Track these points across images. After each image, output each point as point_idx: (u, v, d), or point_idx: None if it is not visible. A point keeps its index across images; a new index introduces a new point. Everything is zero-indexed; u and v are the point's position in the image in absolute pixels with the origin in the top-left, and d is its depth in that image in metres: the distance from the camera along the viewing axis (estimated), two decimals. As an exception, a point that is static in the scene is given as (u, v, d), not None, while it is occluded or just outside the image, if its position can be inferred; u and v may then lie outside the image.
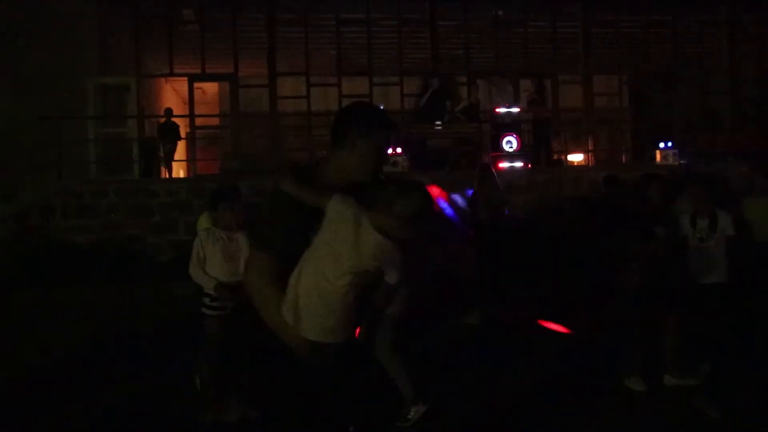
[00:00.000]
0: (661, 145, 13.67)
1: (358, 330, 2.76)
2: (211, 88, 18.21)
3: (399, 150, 12.23)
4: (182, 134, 15.23)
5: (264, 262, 2.62)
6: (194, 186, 12.10)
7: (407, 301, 4.96)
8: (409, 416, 4.98)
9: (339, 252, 2.45)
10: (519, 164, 13.07)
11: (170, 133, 14.60)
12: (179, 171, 16.26)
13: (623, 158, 17.23)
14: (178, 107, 17.64)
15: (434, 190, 8.32)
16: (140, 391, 5.95)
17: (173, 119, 14.91)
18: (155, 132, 14.81)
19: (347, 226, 2.44)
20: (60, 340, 7.93)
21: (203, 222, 6.13)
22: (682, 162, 13.50)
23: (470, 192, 9.10)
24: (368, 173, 2.68)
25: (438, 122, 14.20)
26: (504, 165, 12.76)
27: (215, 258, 5.24)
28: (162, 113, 15.08)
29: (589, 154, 16.49)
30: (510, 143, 12.98)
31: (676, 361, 5.60)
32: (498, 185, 8.91)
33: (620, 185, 9.29)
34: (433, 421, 5.02)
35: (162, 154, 14.43)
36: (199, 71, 15.23)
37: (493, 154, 13.00)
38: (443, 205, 10.42)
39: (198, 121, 15.94)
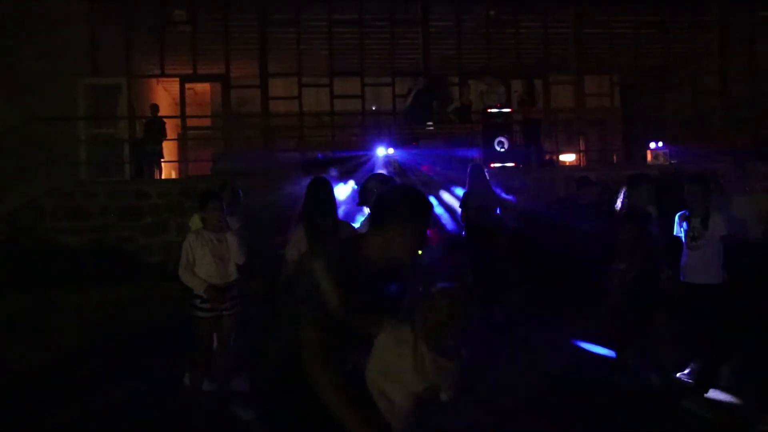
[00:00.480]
0: (652, 145, 13.71)
1: None
2: (202, 88, 18.17)
3: (392, 150, 12.22)
4: (169, 133, 15.12)
5: (326, 343, 2.57)
6: (186, 187, 12.06)
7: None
8: None
9: (399, 376, 2.54)
10: (510, 164, 13.10)
11: (156, 132, 14.45)
12: (171, 172, 16.21)
13: (614, 158, 17.28)
14: (169, 108, 17.59)
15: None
16: (131, 391, 5.93)
17: (162, 117, 14.77)
18: (142, 130, 14.66)
19: (405, 350, 2.56)
20: (51, 342, 7.90)
21: (196, 222, 6.12)
22: (672, 162, 13.54)
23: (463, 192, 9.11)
24: (410, 255, 2.75)
25: (429, 123, 14.20)
26: (496, 165, 12.79)
27: (205, 260, 5.23)
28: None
29: (581, 154, 16.53)
30: (501, 143, 13.00)
31: (662, 360, 5.58)
32: (489, 184, 8.90)
33: (592, 186, 9.43)
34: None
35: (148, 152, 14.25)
36: (190, 72, 15.19)
37: (485, 155, 13.01)
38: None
39: (190, 122, 15.90)
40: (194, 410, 5.27)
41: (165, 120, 14.87)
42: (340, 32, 15.71)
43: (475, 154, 13.07)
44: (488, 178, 8.99)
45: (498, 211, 9.04)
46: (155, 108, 14.71)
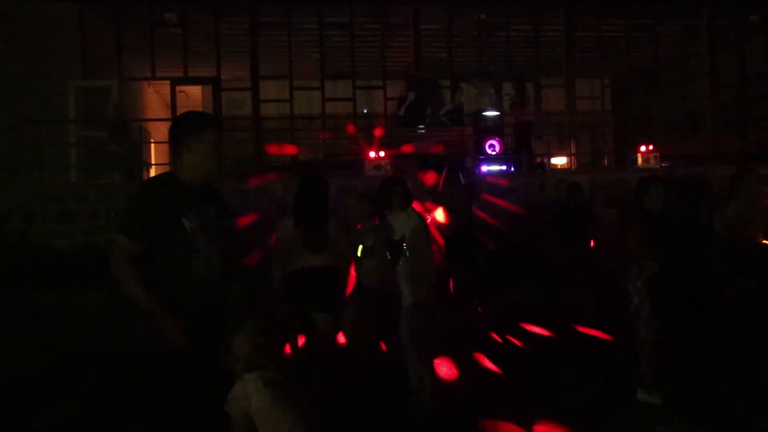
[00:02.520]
0: (643, 148, 13.75)
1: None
2: (194, 91, 18.14)
3: (382, 154, 12.21)
4: (160, 136, 14.91)
5: (132, 248, 3.23)
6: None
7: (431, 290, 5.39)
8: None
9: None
10: (502, 167, 13.12)
11: (119, 133, 13.61)
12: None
13: (605, 161, 17.33)
14: (161, 111, 17.54)
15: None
16: (123, 395, 5.91)
17: (125, 118, 14.18)
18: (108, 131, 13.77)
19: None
20: (41, 346, 7.86)
21: None
22: (663, 165, 13.59)
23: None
24: (210, 169, 3.38)
25: (421, 126, 14.19)
26: (487, 168, 12.81)
27: None
28: (143, 116, 14.91)
29: (572, 157, 16.57)
30: (493, 147, 13.02)
31: (649, 375, 5.42)
32: (463, 190, 8.79)
33: (583, 193, 9.50)
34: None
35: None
36: (181, 74, 15.15)
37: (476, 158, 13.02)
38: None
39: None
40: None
41: (129, 120, 14.37)
42: (331, 35, 15.71)
43: (467, 156, 13.10)
44: (462, 181, 8.85)
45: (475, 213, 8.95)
46: (118, 107, 14.24)
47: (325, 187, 5.27)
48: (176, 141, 3.37)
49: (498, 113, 13.77)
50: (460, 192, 8.64)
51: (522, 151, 14.11)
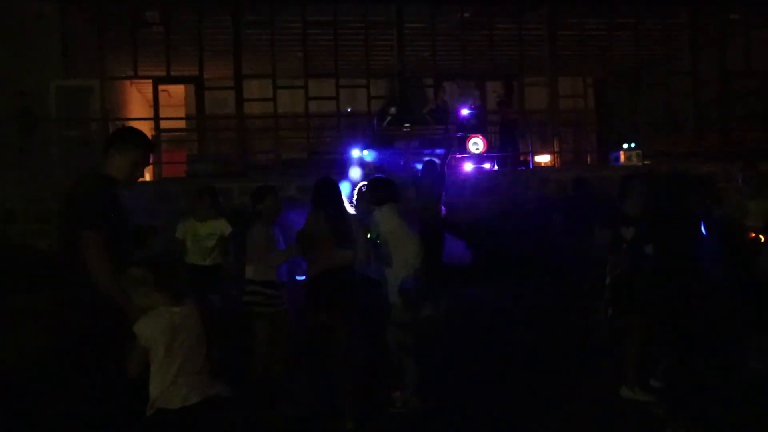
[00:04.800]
0: (625, 146, 13.82)
1: None
2: (176, 90, 18.04)
3: (366, 152, 12.18)
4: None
5: (103, 242, 3.62)
6: (159, 189, 11.95)
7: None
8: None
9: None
10: (485, 165, 13.14)
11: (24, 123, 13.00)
12: (145, 174, 16.00)
13: (588, 159, 17.41)
14: (143, 110, 17.45)
15: None
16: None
17: (116, 119, 14.00)
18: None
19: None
20: (20, 348, 7.79)
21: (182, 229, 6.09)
22: (645, 162, 13.67)
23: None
24: (139, 174, 4.18)
25: (406, 124, 14.19)
26: (471, 166, 12.82)
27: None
28: (126, 116, 14.79)
29: (555, 155, 16.63)
30: (476, 145, 13.04)
31: (635, 372, 5.42)
32: (435, 182, 8.82)
33: (588, 188, 9.47)
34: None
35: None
36: (164, 73, 15.06)
37: (459, 156, 13.02)
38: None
39: (163, 124, 15.75)
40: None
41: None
42: (314, 34, 15.65)
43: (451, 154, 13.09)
44: (441, 176, 8.90)
45: (443, 211, 8.98)
46: (28, 111, 13.67)
47: (339, 196, 5.28)
48: (122, 146, 3.98)
49: (477, 112, 13.78)
50: (431, 185, 8.70)
51: (507, 149, 14.15)
